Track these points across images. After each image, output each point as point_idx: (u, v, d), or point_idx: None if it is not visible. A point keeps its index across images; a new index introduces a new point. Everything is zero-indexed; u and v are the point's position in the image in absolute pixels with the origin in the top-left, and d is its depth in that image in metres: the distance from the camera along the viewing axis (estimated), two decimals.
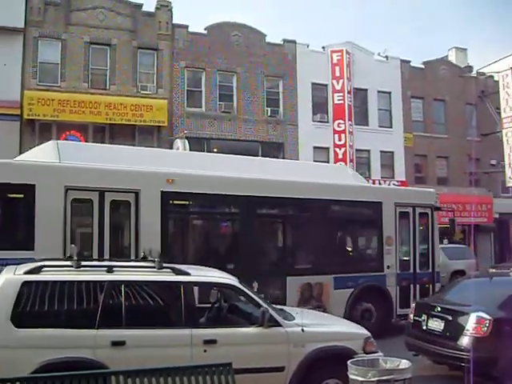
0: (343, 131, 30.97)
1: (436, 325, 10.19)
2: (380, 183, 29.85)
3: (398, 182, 31.57)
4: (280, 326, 7.74)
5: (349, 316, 13.09)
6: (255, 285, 11.80)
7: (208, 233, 14.09)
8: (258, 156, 26.39)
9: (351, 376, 6.44)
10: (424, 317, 10.52)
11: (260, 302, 7.93)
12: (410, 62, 35.08)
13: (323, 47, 32.34)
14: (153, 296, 7.69)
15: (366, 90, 32.99)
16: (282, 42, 31.42)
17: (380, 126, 33.23)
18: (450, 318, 9.95)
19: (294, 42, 31.59)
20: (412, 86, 34.38)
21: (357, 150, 31.55)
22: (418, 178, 33.21)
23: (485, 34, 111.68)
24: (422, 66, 35.61)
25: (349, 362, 6.60)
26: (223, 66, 29.54)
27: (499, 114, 34.66)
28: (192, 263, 10.22)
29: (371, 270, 14.99)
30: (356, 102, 32.39)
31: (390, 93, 33.88)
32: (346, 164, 30.00)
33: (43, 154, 12.01)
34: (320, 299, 13.71)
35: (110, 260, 8.10)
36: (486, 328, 9.37)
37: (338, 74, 31.54)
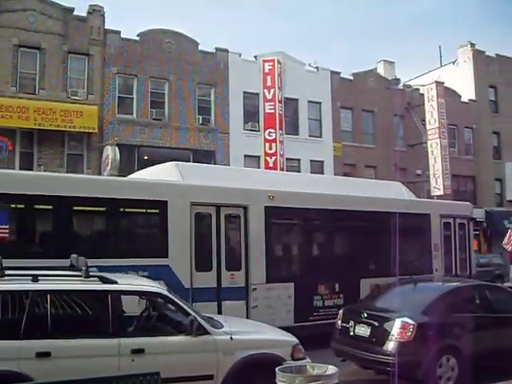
0: (274, 140, 31.23)
1: (363, 331, 10.39)
2: None
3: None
4: (209, 334, 7.76)
5: None
6: (336, 285, 14.63)
7: (300, 241, 15.80)
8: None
9: (279, 383, 6.50)
10: (351, 323, 10.71)
11: (188, 310, 7.93)
12: (339, 73, 35.76)
13: (255, 56, 32.56)
14: (79, 305, 7.62)
15: (297, 99, 33.42)
16: (214, 51, 31.48)
17: (310, 136, 33.72)
18: (376, 323, 10.17)
19: (226, 50, 31.73)
20: (341, 96, 35.04)
21: (287, 159, 31.82)
22: None
23: (411, 49, 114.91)
24: (352, 78, 36.33)
25: (277, 369, 6.64)
26: (155, 72, 29.39)
27: (424, 125, 35.86)
28: (288, 266, 14.76)
29: (423, 272, 16.77)
30: (287, 111, 32.71)
31: (320, 103, 34.41)
32: None
33: (166, 173, 13.86)
34: None
35: (36, 269, 7.77)
36: (410, 333, 9.66)
37: (269, 83, 31.79)
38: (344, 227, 16.11)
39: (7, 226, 10.83)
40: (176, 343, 7.62)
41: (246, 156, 31.01)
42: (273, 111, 31.59)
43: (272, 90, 31.74)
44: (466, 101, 41.60)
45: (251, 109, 32.03)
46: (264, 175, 18.60)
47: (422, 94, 36.86)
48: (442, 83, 37.58)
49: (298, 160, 32.82)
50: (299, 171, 32.70)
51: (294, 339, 8.59)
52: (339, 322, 11.21)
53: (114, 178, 13.75)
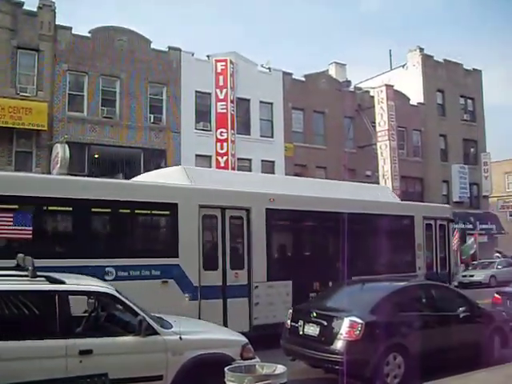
0: (225, 140, 31.30)
1: (312, 330, 10.47)
2: None
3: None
4: (158, 334, 7.71)
5: None
6: (330, 283, 15.03)
7: (297, 241, 16.71)
8: (139, 163, 26.87)
9: (228, 383, 6.50)
10: (300, 322, 10.78)
11: (137, 310, 7.84)
12: (291, 74, 36.03)
13: (208, 56, 32.55)
14: (26, 306, 7.41)
15: (249, 100, 33.55)
16: (167, 49, 31.35)
17: (262, 136, 33.92)
18: (325, 323, 10.26)
19: (179, 49, 31.63)
20: (293, 97, 35.34)
21: (238, 159, 31.95)
22: None
23: (363, 52, 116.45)
24: (303, 79, 36.64)
25: (226, 369, 6.64)
26: (107, 70, 29.07)
27: (374, 127, 36.39)
28: (286, 265, 15.42)
29: (408, 270, 18.07)
30: (239, 111, 32.81)
31: (271, 103, 34.63)
32: None
33: (174, 176, 14.47)
34: None
35: None
36: (358, 331, 9.78)
37: (221, 83, 31.84)
38: (337, 228, 16.28)
39: (31, 228, 11.25)
40: (125, 344, 7.55)
41: (197, 155, 30.96)
42: (225, 111, 31.63)
43: (224, 90, 31.79)
44: (415, 104, 42.46)
45: (203, 108, 32.01)
46: (263, 179, 19.36)
47: (373, 97, 37.44)
48: (392, 86, 38.26)
49: (250, 160, 32.97)
50: (250, 171, 32.84)
51: (243, 339, 8.62)
52: (289, 321, 11.26)
53: (130, 181, 14.54)
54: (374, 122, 36.64)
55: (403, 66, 45.13)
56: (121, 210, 12.88)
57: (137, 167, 29.03)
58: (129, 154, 29.16)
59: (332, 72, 42.59)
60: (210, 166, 31.01)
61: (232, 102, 31.86)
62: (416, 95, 42.72)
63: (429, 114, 43.11)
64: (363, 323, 9.83)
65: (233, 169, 30.95)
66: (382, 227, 17.29)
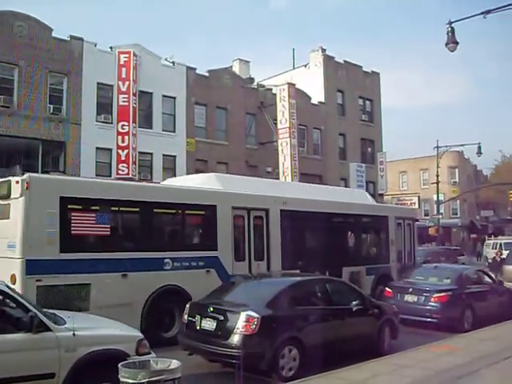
0: (127, 133, 30.85)
1: (209, 324, 10.55)
2: None
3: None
4: (50, 330, 7.52)
5: (372, 295, 17.66)
6: (327, 272, 17.09)
7: (303, 237, 19.23)
8: (38, 155, 26.35)
9: (122, 379, 6.44)
10: (197, 317, 10.83)
11: (28, 306, 7.65)
12: (195, 69, 35.93)
13: (111, 47, 31.92)
14: None
15: (152, 93, 33.21)
16: (68, 39, 30.42)
17: (164, 130, 33.65)
18: (222, 317, 10.38)
19: (81, 39, 30.75)
20: (196, 92, 35.29)
21: (140, 153, 31.60)
22: None
23: (268, 50, 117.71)
24: (207, 74, 36.63)
25: (120, 365, 6.58)
26: (4, 57, 27.81)
27: (276, 124, 36.88)
28: (296, 257, 17.75)
29: (383, 262, 21.48)
30: (141, 104, 32.42)
31: (174, 98, 34.41)
32: (128, 166, 30.23)
33: (208, 182, 16.78)
34: (359, 282, 19.10)
35: None
36: (254, 326, 9.96)
37: (124, 75, 31.31)
38: (333, 226, 19.67)
39: (108, 226, 13.27)
40: (14, 341, 7.31)
41: (98, 148, 30.43)
42: (127, 104, 31.19)
43: (127, 83, 31.32)
44: (316, 103, 43.30)
45: (105, 100, 31.40)
46: (269, 184, 21.86)
47: (275, 94, 37.88)
48: (294, 85, 38.88)
49: (151, 154, 32.70)
50: (151, 165, 32.66)
51: (138, 334, 8.58)
52: (186, 316, 11.29)
53: (182, 186, 16.27)
54: (276, 120, 37.10)
55: (305, 66, 45.93)
56: (175, 211, 15.20)
57: (35, 159, 28.25)
58: (27, 146, 28.26)
59: (236, 68, 42.88)
60: (111, 160, 30.62)
61: (134, 94, 31.42)
62: (317, 94, 43.61)
63: (329, 113, 44.13)
64: (259, 317, 10.02)
65: (133, 163, 30.66)
66: (365, 225, 21.66)
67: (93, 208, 13.14)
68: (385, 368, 11.02)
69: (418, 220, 25.46)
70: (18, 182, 12.09)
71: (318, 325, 11.21)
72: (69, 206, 12.57)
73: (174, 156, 33.94)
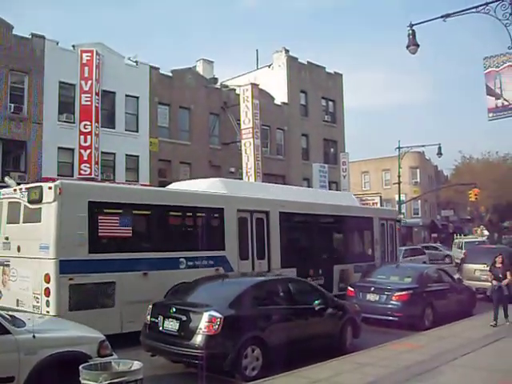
0: (89, 133, 30.54)
1: (171, 325, 10.50)
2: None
3: (142, 185, 31.96)
4: (9, 333, 7.39)
5: None
6: (319, 270, 19.90)
7: (299, 237, 20.78)
8: None
9: (83, 381, 6.38)
10: (160, 318, 10.77)
11: None
12: (158, 68, 35.79)
13: (73, 46, 31.52)
14: None
15: (115, 93, 32.96)
16: (29, 37, 29.97)
17: (126, 130, 33.42)
18: (185, 318, 10.34)
19: (42, 37, 30.32)
20: (160, 92, 35.16)
21: (102, 153, 31.32)
22: (161, 183, 33.55)
23: (232, 50, 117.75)
24: (170, 74, 36.50)
25: (80, 367, 6.51)
26: None
27: (239, 125, 36.90)
28: (292, 256, 19.13)
29: (369, 260, 23.00)
30: (104, 104, 32.13)
31: (137, 97, 34.22)
32: (90, 166, 29.96)
33: (213, 187, 17.99)
34: (348, 279, 20.51)
35: None
36: (217, 326, 9.93)
37: (86, 74, 30.98)
38: (325, 227, 21.64)
39: (130, 228, 14.27)
40: None
41: (59, 148, 30.11)
42: (89, 103, 30.89)
43: (89, 82, 31.01)
44: (279, 103, 43.49)
45: (67, 100, 31.03)
46: (266, 187, 23.26)
47: (238, 95, 37.91)
48: (258, 85, 38.92)
49: (114, 154, 32.46)
50: (114, 165, 32.42)
51: (100, 336, 8.49)
52: (148, 317, 11.21)
53: (195, 191, 17.21)
54: (239, 120, 37.14)
55: (269, 66, 46.08)
56: (188, 213, 16.56)
57: None
58: None
59: (200, 69, 42.83)
60: (73, 159, 30.31)
61: (97, 94, 31.14)
62: (280, 95, 43.80)
63: (292, 113, 44.36)
64: (222, 317, 10.01)
65: (96, 163, 30.40)
66: (353, 226, 23.06)
67: (116, 211, 14.13)
68: (347, 366, 11.16)
69: (399, 221, 27.61)
70: (50, 188, 12.91)
71: (280, 324, 11.26)
72: (96, 210, 13.58)
73: (137, 156, 33.73)
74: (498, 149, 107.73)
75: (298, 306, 12.06)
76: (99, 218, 13.60)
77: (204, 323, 10.01)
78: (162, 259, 14.70)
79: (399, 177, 50.71)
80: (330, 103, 48.99)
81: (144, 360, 7.07)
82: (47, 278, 12.46)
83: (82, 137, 30.51)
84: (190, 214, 16.61)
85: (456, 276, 20.74)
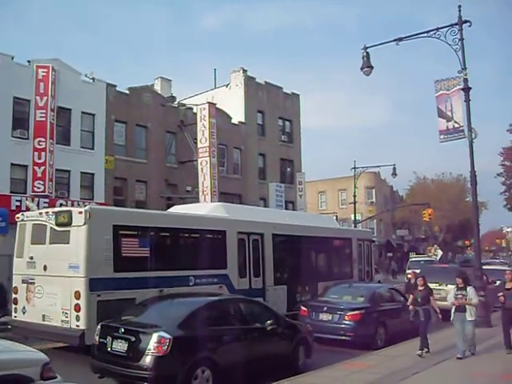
0: (44, 149, 29.96)
1: (120, 346, 10.38)
2: (79, 204, 29.58)
3: (97, 203, 31.60)
4: None
5: None
6: (306, 287, 21.45)
7: (289, 257, 22.37)
8: None
9: None
10: (109, 338, 10.64)
11: None
12: (115, 86, 35.50)
13: (29, 61, 31.10)
14: None
15: (70, 109, 32.51)
16: None
17: (82, 147, 32.88)
18: (133, 338, 10.22)
19: None
20: (116, 110, 34.83)
21: (57, 170, 30.75)
22: (117, 201, 33.43)
23: (191, 69, 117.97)
24: (127, 92, 36.28)
25: None
26: None
27: (196, 143, 36.86)
28: (284, 274, 21.22)
29: (348, 277, 24.68)
30: (59, 120, 31.53)
31: (94, 115, 33.79)
32: (44, 183, 29.49)
33: (215, 210, 20.04)
34: None
35: None
36: (166, 347, 9.85)
37: (42, 90, 30.44)
38: (311, 247, 23.59)
39: (148, 249, 15.67)
40: None
41: (12, 164, 29.52)
42: (44, 119, 30.34)
43: (44, 98, 30.47)
44: (236, 123, 43.58)
45: (21, 115, 30.39)
46: (261, 211, 26.92)
47: (196, 113, 37.90)
48: (215, 104, 38.98)
49: (69, 171, 31.96)
50: (69, 183, 31.98)
51: (43, 358, 8.22)
52: (97, 337, 11.07)
53: (203, 215, 19.13)
54: (196, 139, 37.09)
55: (227, 86, 46.22)
56: (197, 235, 18.11)
57: None
58: None
59: (158, 87, 42.72)
60: (26, 176, 29.81)
61: (52, 110, 30.63)
62: (237, 114, 43.90)
63: (249, 133, 44.50)
64: (171, 338, 9.94)
65: (50, 180, 29.97)
66: (335, 246, 25.60)
67: (136, 233, 15.77)
68: None
69: (374, 241, 29.87)
70: (81, 213, 14.17)
71: (231, 345, 11.26)
72: (119, 233, 15.01)
73: (92, 174, 33.26)
74: (452, 170, 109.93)
75: (249, 326, 12.09)
76: (122, 239, 15.10)
77: (153, 344, 9.91)
78: (174, 277, 16.19)
79: (355, 196, 51.26)
80: (287, 123, 49.26)
81: (93, 382, 6.95)
82: (77, 295, 13.65)
83: (36, 153, 29.92)
84: (199, 235, 18.18)
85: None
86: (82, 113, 33.22)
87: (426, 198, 62.25)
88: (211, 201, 34.98)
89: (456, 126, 21.14)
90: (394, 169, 49.20)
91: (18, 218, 16.40)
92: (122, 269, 14.72)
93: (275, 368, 12.18)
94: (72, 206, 28.66)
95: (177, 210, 21.67)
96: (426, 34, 20.78)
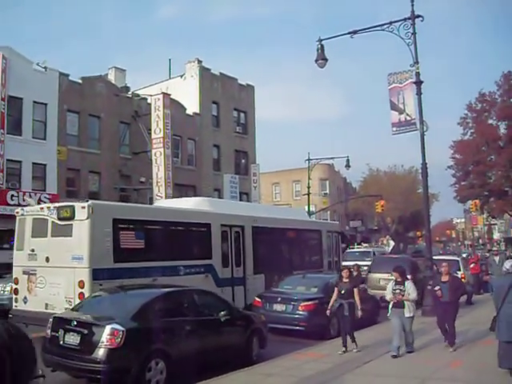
0: None
1: (72, 339, 10.23)
2: (31, 196, 29.11)
3: (49, 195, 31.22)
4: None
5: None
6: (282, 276, 20.33)
7: (266, 248, 23.26)
8: None
9: None
10: (61, 332, 10.49)
11: None
12: (68, 75, 34.95)
13: None
14: None
15: (22, 99, 31.88)
16: None
17: (34, 138, 32.33)
18: (86, 331, 10.11)
19: None
20: (69, 99, 34.28)
21: (8, 161, 30.18)
22: (69, 192, 32.99)
23: (146, 59, 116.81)
24: (80, 81, 35.72)
25: None
26: None
27: (150, 134, 36.62)
28: (262, 264, 22.01)
29: (319, 267, 26.10)
30: (10, 110, 30.86)
31: (46, 104, 33.23)
32: None
33: (200, 204, 21.30)
34: None
35: None
36: (119, 339, 9.77)
37: None
38: (286, 239, 25.11)
39: (143, 241, 17.02)
40: None
41: None
42: None
43: None
44: (191, 114, 43.44)
45: None
46: (241, 205, 29.57)
47: (150, 104, 37.64)
48: (169, 95, 38.75)
49: (20, 162, 31.38)
50: (20, 174, 31.42)
51: None
52: (48, 330, 10.89)
53: (192, 208, 20.32)
54: (150, 130, 36.85)
55: (181, 76, 45.96)
56: (186, 228, 19.20)
57: None
58: None
59: (112, 76, 42.25)
60: None
61: (3, 99, 30.00)
62: (192, 105, 43.73)
63: (204, 124, 44.40)
64: (124, 330, 9.88)
65: (1, 171, 29.43)
66: (308, 238, 27.28)
67: (133, 226, 16.96)
68: (252, 378, 11.28)
69: (342, 232, 31.90)
70: (83, 207, 15.21)
71: (185, 336, 11.23)
72: (118, 226, 16.10)
73: (45, 164, 32.71)
74: (404, 162, 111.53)
75: (203, 318, 12.10)
76: (120, 232, 16.25)
77: (106, 336, 9.82)
78: (166, 267, 17.32)
79: (309, 188, 51.54)
80: (242, 114, 49.32)
81: (46, 375, 6.85)
82: (81, 284, 14.67)
83: None
84: (187, 228, 19.28)
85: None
86: (34, 102, 32.65)
87: (378, 189, 63.04)
88: (165, 192, 34.91)
89: (408, 118, 21.47)
90: (348, 161, 49.64)
91: (17, 212, 17.25)
92: (121, 259, 15.87)
93: (229, 359, 12.23)
94: (24, 196, 28.36)
95: (161, 204, 23.43)
96: (379, 28, 21.01)
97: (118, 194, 35.08)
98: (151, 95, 38.07)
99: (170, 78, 47.43)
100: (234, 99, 47.88)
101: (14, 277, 16.71)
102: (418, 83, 20.45)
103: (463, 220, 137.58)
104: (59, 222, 15.62)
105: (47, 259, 15.65)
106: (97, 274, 14.85)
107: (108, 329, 9.88)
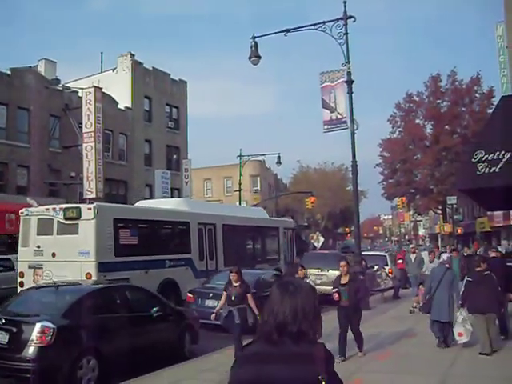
0: None
1: (1, 338, 9.95)
2: None
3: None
4: None
5: None
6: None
7: (235, 243, 25.81)
8: None
9: None
10: None
11: None
12: None
13: None
14: None
15: None
16: None
17: None
18: (15, 329, 9.92)
19: None
20: None
21: None
22: None
23: (77, 51, 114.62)
24: (9, 73, 34.79)
25: None
26: None
27: (81, 128, 35.99)
28: (232, 257, 23.65)
29: (276, 261, 29.32)
30: None
31: None
32: None
33: (180, 205, 24.41)
34: None
35: None
36: (50, 337, 9.63)
37: None
38: (251, 235, 28.29)
39: (136, 237, 19.41)
40: None
41: None
42: None
43: None
44: (123, 108, 42.98)
45: None
46: (214, 206, 33.48)
47: (81, 97, 36.98)
48: (101, 88, 38.13)
49: None
50: None
51: None
52: None
53: (175, 209, 23.12)
54: (81, 123, 36.23)
55: (113, 70, 45.34)
56: (171, 226, 22.17)
57: None
58: None
59: (41, 68, 41.32)
60: None
61: None
62: (124, 100, 43.23)
63: (136, 118, 43.98)
64: (55, 328, 9.75)
65: None
66: (268, 234, 29.98)
67: (128, 225, 19.41)
68: (186, 373, 11.38)
69: (296, 229, 35.13)
70: (90, 209, 17.64)
71: (117, 333, 11.18)
72: (117, 224, 18.53)
73: None
74: (334, 160, 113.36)
75: (135, 314, 12.07)
76: (119, 230, 18.60)
77: (36, 334, 9.66)
78: (155, 260, 19.76)
79: (240, 184, 51.81)
80: (174, 110, 49.06)
81: None
82: (89, 276, 16.67)
83: None
84: (172, 226, 22.27)
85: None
86: None
87: (308, 186, 63.92)
88: (96, 187, 34.35)
89: (339, 117, 21.95)
90: (279, 157, 50.16)
91: (21, 213, 19.27)
92: (120, 254, 18.17)
93: (162, 354, 12.23)
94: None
95: (143, 204, 25.70)
96: (313, 27, 21.38)
97: (48, 188, 34.41)
98: (82, 88, 37.31)
99: (101, 72, 46.72)
100: (167, 94, 47.59)
101: (19, 271, 18.66)
102: (349, 82, 20.94)
103: (390, 217, 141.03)
104: (65, 222, 17.84)
105: (53, 254, 17.71)
106: (101, 267, 17.08)
107: (38, 326, 9.73)
